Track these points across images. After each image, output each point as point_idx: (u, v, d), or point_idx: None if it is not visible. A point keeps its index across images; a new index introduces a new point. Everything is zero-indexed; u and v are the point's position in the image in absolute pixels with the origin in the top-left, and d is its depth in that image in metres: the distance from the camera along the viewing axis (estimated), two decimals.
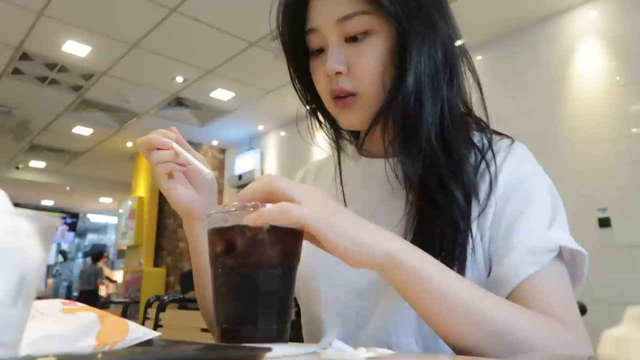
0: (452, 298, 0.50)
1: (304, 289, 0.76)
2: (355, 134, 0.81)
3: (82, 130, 6.75)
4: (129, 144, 7.42)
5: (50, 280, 13.11)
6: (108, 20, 3.96)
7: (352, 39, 0.66)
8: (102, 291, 8.48)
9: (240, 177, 6.63)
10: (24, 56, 4.58)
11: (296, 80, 0.77)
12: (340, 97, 0.67)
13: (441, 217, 0.61)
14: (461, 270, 0.60)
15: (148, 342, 0.45)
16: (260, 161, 6.48)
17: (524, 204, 0.62)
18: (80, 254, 14.59)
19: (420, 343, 0.63)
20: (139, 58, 4.59)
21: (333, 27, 0.66)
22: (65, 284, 13.51)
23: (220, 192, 7.18)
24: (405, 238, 0.64)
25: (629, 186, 3.16)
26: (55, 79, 5.08)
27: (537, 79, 3.73)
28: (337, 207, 0.52)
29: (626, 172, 3.18)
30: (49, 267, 13.08)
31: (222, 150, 7.51)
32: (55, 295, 12.16)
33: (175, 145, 0.65)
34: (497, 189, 0.64)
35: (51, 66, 4.78)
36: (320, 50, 0.69)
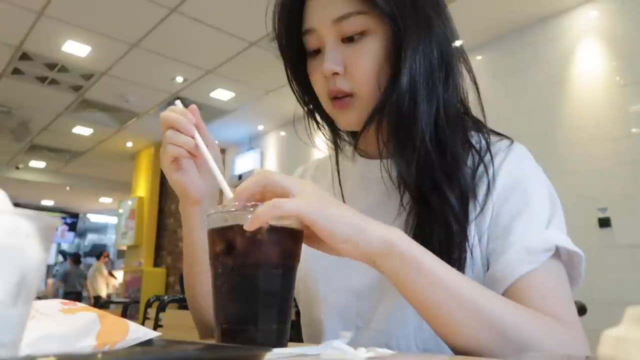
0: (450, 289, 0.49)
1: (304, 289, 0.76)
2: (353, 135, 0.81)
3: (82, 130, 6.75)
4: (129, 144, 7.43)
5: (50, 280, 13.11)
6: (108, 20, 3.96)
7: (348, 39, 0.66)
8: (103, 291, 8.48)
9: (240, 177, 6.63)
10: (24, 56, 4.58)
11: (293, 82, 0.77)
12: (338, 97, 0.67)
13: (436, 220, 0.61)
14: (461, 271, 0.60)
15: (148, 342, 0.45)
16: (260, 161, 6.48)
17: (522, 204, 0.62)
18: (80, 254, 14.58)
19: (420, 345, 0.63)
20: (139, 58, 4.60)
21: (329, 27, 0.65)
22: None
23: (220, 192, 7.17)
24: None
25: (629, 186, 3.16)
26: (55, 79, 5.08)
27: (537, 79, 3.73)
28: (333, 200, 0.51)
29: (626, 172, 3.18)
30: (49, 267, 13.07)
31: (222, 150, 7.49)
32: (55, 295, 12.16)
33: (197, 136, 0.62)
34: (495, 189, 0.64)
35: (51, 66, 4.78)
36: (317, 51, 0.69)
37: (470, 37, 3.85)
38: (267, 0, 0.74)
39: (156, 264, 7.28)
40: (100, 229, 15.15)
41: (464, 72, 0.69)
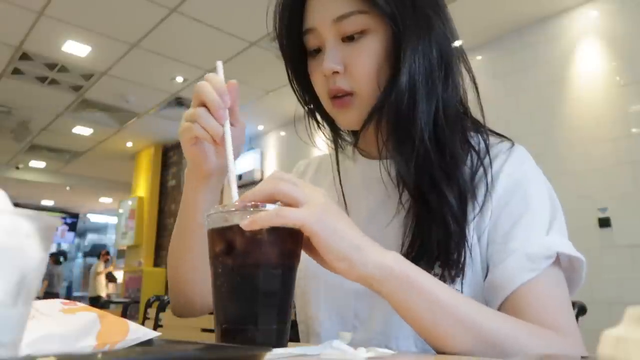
0: (446, 307, 0.50)
1: (300, 286, 0.76)
2: (354, 134, 0.81)
3: (82, 130, 6.75)
4: (129, 144, 7.43)
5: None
6: (108, 20, 3.96)
7: (348, 39, 0.66)
8: (102, 291, 8.48)
9: (240, 177, 6.63)
10: (24, 56, 4.58)
11: (294, 81, 0.77)
12: (338, 97, 0.67)
13: (434, 219, 0.61)
14: (459, 273, 0.60)
15: (148, 342, 0.45)
16: (260, 161, 6.48)
17: (522, 208, 0.62)
18: (80, 254, 14.59)
19: (420, 346, 0.63)
20: (139, 58, 4.59)
21: (330, 26, 0.66)
22: (65, 284, 13.50)
23: (220, 191, 7.17)
24: (402, 240, 0.64)
25: (629, 186, 3.16)
26: (55, 79, 5.08)
27: (537, 79, 3.73)
28: (337, 212, 0.51)
29: (626, 172, 3.18)
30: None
31: None
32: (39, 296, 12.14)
33: (227, 129, 0.59)
34: (496, 192, 0.64)
35: (51, 66, 4.78)
36: (318, 51, 0.69)
37: (470, 37, 3.85)
38: (268, 0, 0.74)
39: (156, 264, 7.28)
40: (100, 229, 15.15)
41: (464, 72, 0.69)
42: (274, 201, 0.50)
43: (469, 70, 0.70)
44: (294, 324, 0.73)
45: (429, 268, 0.61)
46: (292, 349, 0.45)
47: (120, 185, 9.47)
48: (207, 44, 4.32)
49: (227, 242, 0.49)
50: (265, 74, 4.86)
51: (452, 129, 0.65)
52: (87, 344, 0.40)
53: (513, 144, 0.70)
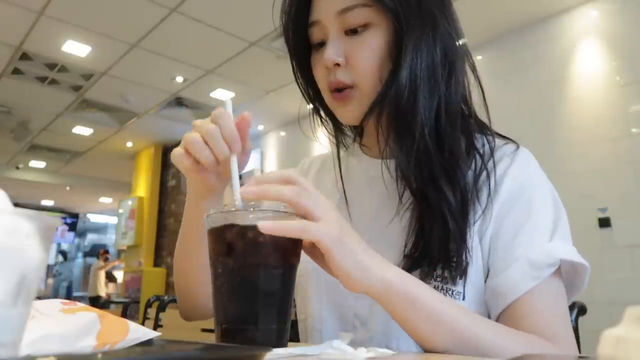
0: (447, 322, 0.51)
1: (301, 284, 0.76)
2: (358, 131, 0.81)
3: (82, 130, 6.75)
4: (129, 144, 7.43)
5: (50, 280, 13.11)
6: (108, 20, 3.96)
7: (352, 32, 0.66)
8: (102, 291, 8.48)
9: (240, 177, 6.61)
10: (24, 56, 4.58)
11: (299, 75, 0.77)
12: (338, 90, 0.68)
13: (434, 216, 0.61)
14: (460, 275, 0.60)
15: (148, 342, 0.45)
16: (260, 161, 6.48)
17: (526, 215, 0.62)
18: (80, 254, 14.59)
19: (419, 346, 0.63)
20: (139, 58, 4.59)
21: (333, 19, 0.66)
22: (65, 284, 13.51)
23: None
24: (405, 240, 0.64)
25: (629, 186, 3.16)
26: (55, 79, 5.08)
27: (537, 79, 3.73)
28: (349, 229, 0.52)
29: (626, 172, 3.18)
30: (49, 267, 13.08)
31: None
32: (55, 295, 12.16)
33: (234, 161, 0.57)
34: (500, 195, 0.64)
35: (51, 66, 4.78)
36: (322, 44, 0.70)
37: (470, 37, 3.82)
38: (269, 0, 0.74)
39: (156, 264, 7.28)
40: (100, 229, 15.15)
41: (469, 72, 0.70)
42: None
43: (474, 70, 0.70)
44: (294, 324, 0.73)
45: (431, 269, 0.61)
46: (292, 349, 0.45)
47: (120, 185, 9.46)
48: (207, 44, 4.32)
49: (227, 242, 0.49)
50: (265, 74, 4.86)
51: (453, 127, 0.65)
52: (87, 344, 0.40)
53: (518, 147, 0.70)
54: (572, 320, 0.83)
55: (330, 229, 0.49)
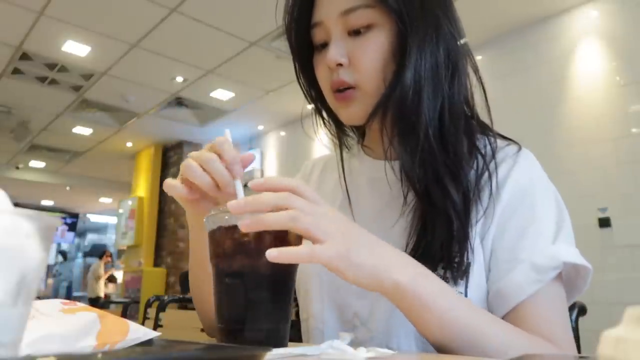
0: (459, 325, 0.51)
1: (303, 284, 0.76)
2: (360, 132, 0.81)
3: (82, 130, 6.75)
4: (129, 144, 7.43)
5: (50, 280, 13.11)
6: (108, 20, 3.96)
7: (355, 33, 0.66)
8: (102, 292, 8.48)
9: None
10: (24, 56, 4.58)
11: (301, 76, 0.77)
12: (340, 90, 0.68)
13: (438, 216, 0.62)
14: (462, 276, 0.60)
15: (148, 342, 0.45)
16: (260, 161, 6.48)
17: (529, 218, 0.62)
18: (80, 254, 14.59)
19: (420, 345, 0.63)
20: (139, 58, 4.59)
21: (336, 20, 0.66)
22: (65, 284, 13.51)
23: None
24: (407, 242, 0.64)
25: (629, 186, 3.16)
26: (55, 79, 5.08)
27: (538, 79, 3.73)
28: (355, 236, 0.51)
29: (626, 172, 3.18)
30: (49, 267, 13.08)
31: None
32: (55, 295, 12.16)
33: (239, 186, 0.54)
34: (502, 197, 0.64)
35: (51, 66, 4.78)
36: (324, 45, 0.70)
37: (470, 37, 3.84)
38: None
39: (156, 264, 7.28)
40: (100, 229, 15.15)
41: (471, 73, 0.70)
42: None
43: (476, 71, 0.70)
44: (294, 324, 0.73)
45: (432, 270, 0.61)
46: (292, 349, 0.45)
47: (120, 185, 9.46)
48: (207, 44, 4.32)
49: (227, 243, 0.49)
50: (265, 74, 4.86)
51: (457, 127, 0.65)
52: (87, 344, 0.40)
53: (520, 148, 0.70)
54: (572, 321, 0.83)
55: (337, 248, 0.48)
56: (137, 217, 7.36)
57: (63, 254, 13.99)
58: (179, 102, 5.72)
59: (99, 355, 0.34)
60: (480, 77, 0.70)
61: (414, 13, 0.64)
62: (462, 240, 0.61)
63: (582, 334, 0.85)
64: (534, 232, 0.61)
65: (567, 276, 0.62)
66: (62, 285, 13.44)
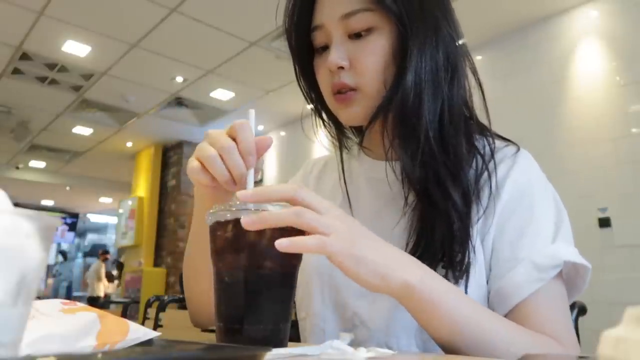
0: (469, 325, 0.52)
1: (303, 285, 0.76)
2: (359, 133, 0.81)
3: (82, 130, 6.75)
4: (129, 144, 7.43)
5: (50, 280, 13.11)
6: (108, 20, 3.96)
7: (355, 36, 0.67)
8: (101, 291, 8.48)
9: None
10: (24, 56, 4.58)
11: (301, 79, 0.78)
12: (341, 92, 0.68)
13: (439, 216, 0.62)
14: (462, 275, 0.60)
15: (148, 342, 0.45)
16: (260, 161, 6.48)
17: (528, 217, 0.63)
18: (80, 254, 14.59)
19: (420, 345, 0.63)
20: (139, 58, 4.59)
21: (337, 23, 0.67)
22: (65, 284, 13.51)
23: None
24: (407, 241, 0.64)
25: (629, 186, 3.16)
26: (55, 79, 5.08)
27: (537, 79, 3.73)
28: (360, 234, 0.51)
29: (626, 172, 3.18)
30: (49, 267, 13.08)
31: None
32: (55, 295, 12.16)
33: (250, 175, 0.55)
34: (501, 198, 0.64)
35: (51, 66, 4.78)
36: (325, 48, 0.70)
37: (470, 37, 3.84)
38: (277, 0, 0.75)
39: (156, 264, 7.28)
40: (100, 229, 15.15)
41: (469, 74, 0.70)
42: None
43: (475, 72, 0.70)
44: (294, 324, 0.73)
45: (432, 269, 0.61)
46: (292, 349, 0.45)
47: (120, 185, 9.47)
48: (207, 44, 4.32)
49: (229, 241, 0.49)
50: (265, 74, 4.86)
51: (456, 129, 0.66)
52: (87, 344, 0.40)
53: (518, 149, 0.70)
54: (572, 320, 0.84)
55: (343, 243, 0.48)
56: (137, 217, 7.36)
57: (63, 254, 13.99)
58: (179, 102, 5.72)
59: (99, 355, 0.34)
60: (478, 79, 0.70)
61: (413, 15, 0.64)
62: (464, 240, 0.61)
63: (582, 333, 0.85)
64: (533, 231, 0.61)
65: (567, 275, 0.63)
66: (62, 285, 13.44)
